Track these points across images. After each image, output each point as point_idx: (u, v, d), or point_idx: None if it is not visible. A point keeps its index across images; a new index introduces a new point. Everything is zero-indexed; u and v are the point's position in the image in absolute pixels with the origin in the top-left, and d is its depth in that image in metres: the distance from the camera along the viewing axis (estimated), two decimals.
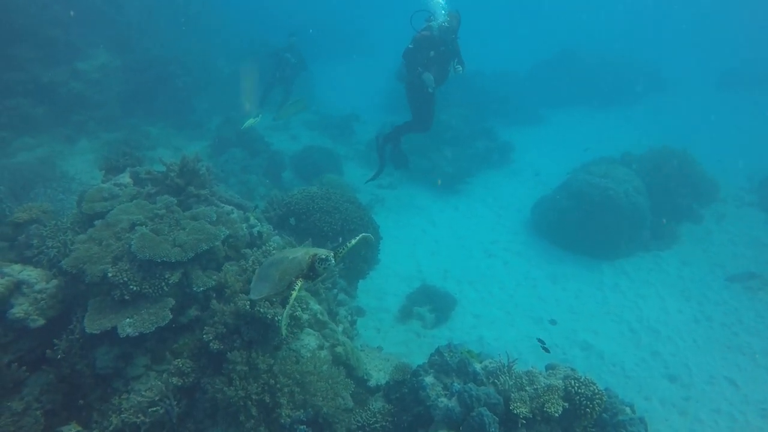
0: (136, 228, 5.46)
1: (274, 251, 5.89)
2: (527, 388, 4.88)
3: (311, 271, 4.15)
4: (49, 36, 13.04)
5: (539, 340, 6.98)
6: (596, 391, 4.88)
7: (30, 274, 5.21)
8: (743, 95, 22.32)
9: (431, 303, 9.85)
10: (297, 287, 4.09)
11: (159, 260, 5.07)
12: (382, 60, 18.27)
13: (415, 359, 8.51)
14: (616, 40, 25.81)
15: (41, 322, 5.04)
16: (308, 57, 20.82)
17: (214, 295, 5.48)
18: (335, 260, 4.22)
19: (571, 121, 20.10)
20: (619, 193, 11.47)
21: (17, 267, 5.27)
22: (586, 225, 11.63)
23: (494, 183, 15.03)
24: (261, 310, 4.91)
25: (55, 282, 5.27)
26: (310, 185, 11.82)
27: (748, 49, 25.10)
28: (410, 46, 8.45)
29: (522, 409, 4.69)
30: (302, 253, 4.19)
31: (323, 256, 4.06)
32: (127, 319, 4.88)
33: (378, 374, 6.40)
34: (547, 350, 6.88)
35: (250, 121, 12.80)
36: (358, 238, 4.51)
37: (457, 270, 11.18)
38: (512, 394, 4.82)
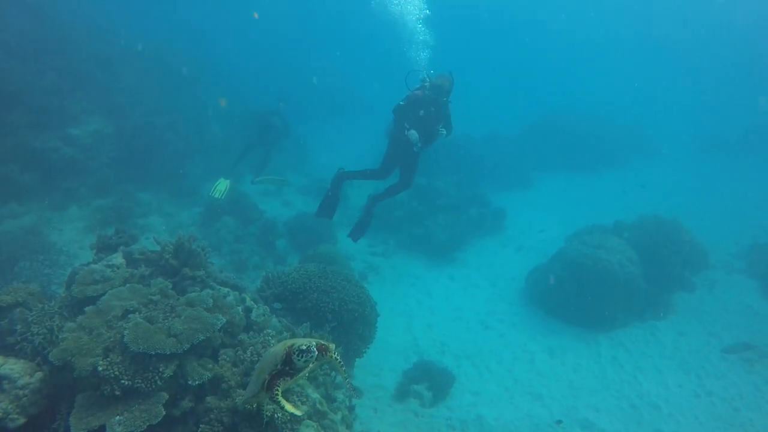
0: (129, 316, 5.26)
1: (272, 339, 5.71)
2: None
3: (288, 366, 3.66)
4: (42, 102, 13.09)
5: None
6: None
7: (12, 368, 4.93)
8: (725, 159, 22.88)
9: (429, 380, 9.56)
10: (278, 394, 3.66)
11: (153, 352, 4.85)
12: (374, 122, 18.50)
13: None
14: (603, 104, 26.59)
15: (21, 421, 4.73)
16: (299, 119, 21.26)
17: (209, 386, 5.25)
18: (328, 352, 3.77)
19: (560, 186, 20.33)
20: (613, 263, 11.46)
21: None
22: (581, 295, 11.55)
23: (488, 250, 15.00)
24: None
25: (39, 375, 4.99)
26: (304, 254, 11.74)
27: (729, 114, 25.91)
28: (401, 102, 8.60)
29: None
30: (282, 344, 3.77)
31: (303, 347, 3.58)
32: (117, 417, 4.61)
33: None
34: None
35: (220, 186, 12.75)
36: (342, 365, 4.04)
37: (454, 343, 10.96)
38: None
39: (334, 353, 3.86)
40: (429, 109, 8.53)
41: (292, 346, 3.67)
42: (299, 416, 3.85)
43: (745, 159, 22.57)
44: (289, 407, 3.72)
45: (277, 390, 3.68)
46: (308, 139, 21.72)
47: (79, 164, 12.79)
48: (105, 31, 18.61)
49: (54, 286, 8.67)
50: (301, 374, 3.81)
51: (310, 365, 3.76)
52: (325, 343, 3.83)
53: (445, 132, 8.66)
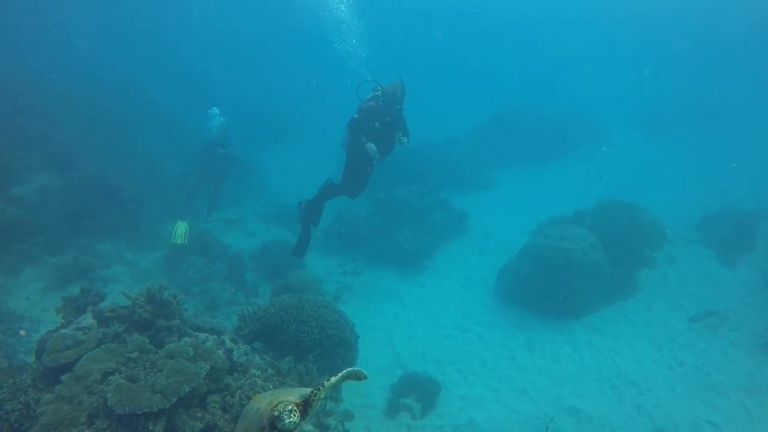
0: (109, 378, 5.17)
1: (258, 379, 5.70)
2: None
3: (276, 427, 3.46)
4: None
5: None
6: None
7: None
8: (672, 136, 23.84)
9: (416, 391, 9.63)
10: None
11: (140, 412, 4.79)
12: (326, 142, 18.52)
13: None
14: (551, 95, 27.36)
15: None
16: (254, 148, 21.14)
17: None
18: (312, 405, 3.54)
19: (519, 181, 20.76)
20: (577, 252, 11.81)
21: None
22: (551, 287, 11.85)
23: (456, 254, 15.20)
24: None
25: None
26: (275, 284, 11.65)
27: (672, 92, 27.00)
28: (355, 116, 8.59)
29: None
30: (267, 402, 3.59)
31: (283, 418, 3.39)
32: None
33: None
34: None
35: (179, 231, 12.64)
36: (338, 376, 3.71)
37: (435, 351, 11.07)
38: None
39: (320, 393, 3.60)
40: (384, 120, 8.52)
41: (274, 410, 3.46)
42: None
43: (688, 134, 23.56)
44: None
45: None
46: (265, 167, 21.63)
47: (29, 223, 12.33)
48: (37, 79, 18.04)
49: (21, 356, 8.37)
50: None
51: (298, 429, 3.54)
52: (309, 396, 3.60)
53: (406, 140, 8.71)
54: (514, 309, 12.33)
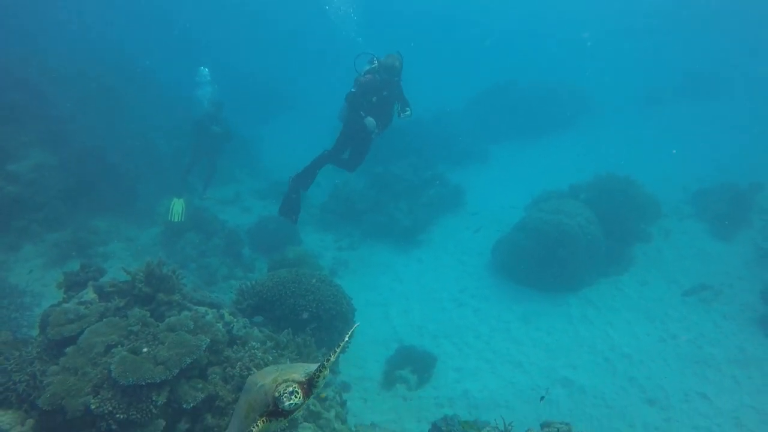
0: (112, 351, 5.27)
1: (257, 351, 5.81)
2: None
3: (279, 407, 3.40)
4: None
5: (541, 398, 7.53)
6: None
7: (2, 419, 4.92)
8: (668, 109, 23.75)
9: (412, 364, 9.83)
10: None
11: (143, 383, 4.90)
12: (320, 116, 18.45)
13: (407, 425, 8.54)
14: (547, 69, 27.11)
15: None
16: (250, 123, 21.04)
17: (202, 406, 5.32)
18: (316, 385, 3.49)
19: (514, 155, 20.75)
20: (573, 226, 11.92)
21: None
22: (546, 261, 11.98)
23: (452, 228, 15.30)
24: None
25: (30, 422, 4.98)
26: (271, 259, 11.77)
27: (668, 65, 26.81)
28: (353, 89, 8.52)
29: None
30: (272, 379, 3.50)
31: (283, 400, 3.33)
32: None
33: None
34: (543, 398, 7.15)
35: (175, 208, 12.70)
36: (336, 352, 3.63)
37: (431, 325, 11.24)
38: None
39: (325, 370, 3.54)
40: (381, 93, 8.47)
41: (275, 396, 3.37)
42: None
43: (684, 107, 23.49)
44: None
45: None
46: (260, 141, 21.57)
47: (26, 201, 12.38)
48: (29, 55, 17.82)
49: (24, 329, 8.49)
50: (296, 414, 3.64)
51: (301, 409, 3.54)
52: (313, 375, 3.52)
53: (409, 111, 8.60)
54: (510, 282, 12.48)
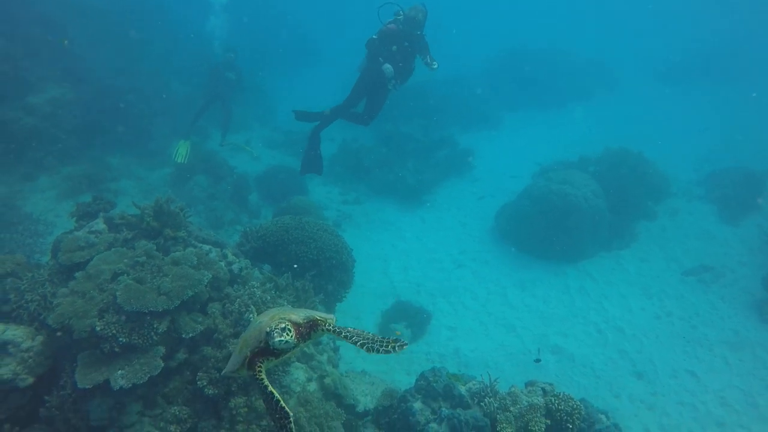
0: (118, 278, 5.50)
1: (257, 290, 6.03)
2: (511, 408, 5.16)
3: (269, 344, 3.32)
4: None
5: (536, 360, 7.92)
6: (575, 406, 5.20)
7: (15, 333, 5.19)
8: (683, 91, 23.37)
9: (407, 319, 10.09)
10: (261, 373, 3.33)
11: (146, 310, 5.13)
12: (341, 72, 18.43)
13: (397, 376, 8.80)
14: (563, 37, 26.56)
15: (30, 380, 5.05)
16: (267, 72, 20.91)
17: (200, 338, 5.57)
18: (317, 331, 3.40)
19: (526, 123, 20.57)
20: (578, 197, 11.96)
21: (0, 326, 5.23)
22: (549, 230, 12.07)
23: (458, 191, 15.36)
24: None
25: (41, 338, 5.26)
26: (277, 207, 11.96)
27: (689, 44, 26.19)
28: (374, 36, 8.45)
29: (508, 430, 4.96)
30: (269, 317, 3.45)
31: (273, 336, 3.22)
32: (119, 371, 4.94)
33: (365, 399, 6.59)
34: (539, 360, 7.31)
35: (180, 150, 12.86)
36: (353, 332, 3.44)
37: (429, 283, 11.44)
38: (498, 416, 5.08)
39: (329, 325, 3.46)
40: (402, 44, 8.38)
41: (265, 330, 3.30)
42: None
43: (705, 86, 23.07)
44: (273, 390, 3.32)
45: (260, 368, 3.37)
46: (277, 92, 21.48)
47: (43, 133, 12.56)
48: None
49: (37, 255, 8.78)
50: (287, 355, 3.53)
51: (293, 349, 3.43)
52: (319, 318, 3.47)
53: (436, 64, 8.42)
54: (511, 249, 12.61)
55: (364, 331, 3.47)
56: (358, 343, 3.38)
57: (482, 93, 21.43)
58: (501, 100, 21.54)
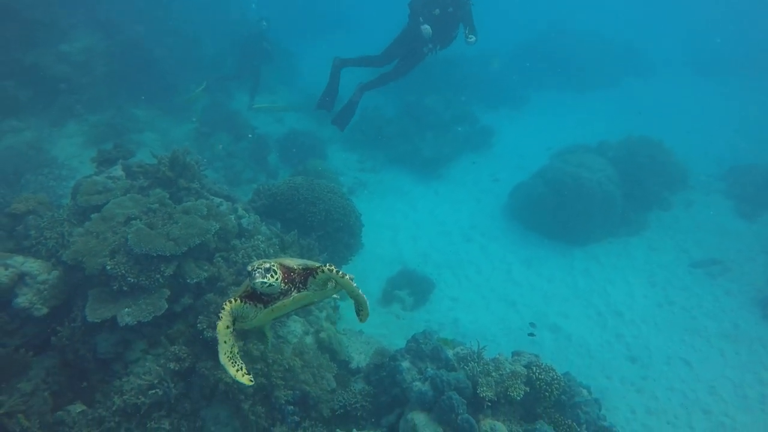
0: (131, 222, 5.81)
1: (261, 243, 6.30)
2: (493, 373, 5.38)
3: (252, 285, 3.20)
4: (31, 17, 12.99)
5: (530, 334, 7.90)
6: (555, 376, 5.39)
7: (32, 265, 5.54)
8: (718, 82, 22.82)
9: (411, 286, 10.33)
10: (223, 318, 3.25)
11: (155, 254, 5.43)
12: (372, 39, 18.45)
13: (395, 341, 9.05)
14: (599, 20, 25.98)
15: (45, 310, 5.40)
16: (291, 37, 20.93)
17: (205, 285, 5.87)
18: (315, 277, 3.28)
19: (553, 104, 20.35)
20: (592, 181, 11.98)
21: (20, 259, 5.58)
22: (560, 211, 12.14)
23: (475, 167, 15.41)
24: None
25: (56, 273, 5.61)
26: (295, 169, 12.22)
27: (726, 37, 25.46)
28: None
29: (488, 393, 5.19)
30: (261, 261, 3.32)
31: (255, 276, 3.12)
32: (126, 309, 5.26)
33: (359, 357, 6.89)
34: (533, 335, 7.45)
35: (195, 93, 13.15)
36: (354, 286, 3.39)
37: (436, 254, 11.66)
38: (480, 379, 5.31)
39: (328, 267, 3.31)
40: (446, 8, 8.15)
41: (248, 270, 3.18)
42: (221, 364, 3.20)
43: (739, 82, 22.50)
44: (223, 348, 3.27)
45: (223, 310, 3.27)
46: (303, 57, 21.52)
47: (73, 81, 12.92)
48: None
49: (59, 198, 9.18)
50: (280, 304, 3.38)
51: (279, 296, 3.32)
52: (317, 265, 3.34)
53: (473, 38, 8.18)
54: (521, 227, 12.72)
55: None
56: (354, 293, 3.39)
57: (511, 72, 21.20)
58: (529, 81, 21.27)
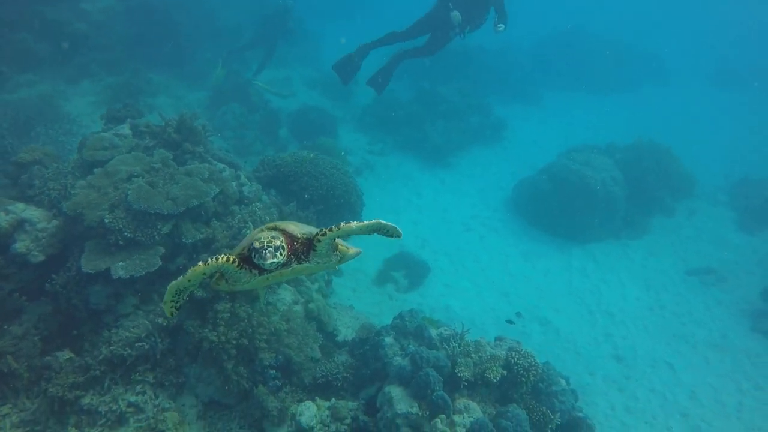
0: (132, 179, 5.93)
1: (258, 210, 6.42)
2: (473, 355, 5.50)
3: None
4: None
5: (509, 321, 7.91)
6: (533, 363, 5.51)
7: (33, 213, 5.70)
8: (735, 94, 22.64)
9: (407, 269, 10.45)
10: (209, 263, 2.94)
11: (153, 211, 5.57)
12: (392, 22, 18.40)
13: (385, 320, 9.11)
14: (623, 24, 25.78)
15: (41, 258, 5.55)
16: (317, 16, 20.89)
17: (201, 247, 6.01)
18: (317, 244, 3.03)
19: (567, 104, 20.27)
20: (596, 180, 12.01)
21: (21, 206, 5.74)
22: (561, 208, 12.19)
23: (483, 159, 15.44)
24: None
25: (55, 222, 5.76)
26: (304, 145, 12.30)
27: (747, 49, 25.23)
28: None
29: (465, 373, 5.32)
30: (264, 231, 3.15)
31: (265, 256, 2.87)
32: (120, 263, 5.41)
33: (346, 331, 7.02)
34: (512, 322, 7.65)
35: (218, 74, 13.35)
36: (363, 223, 3.16)
37: (435, 240, 11.74)
38: (459, 359, 5.44)
39: (329, 229, 3.09)
40: None
41: (254, 246, 2.92)
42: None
43: (757, 95, 22.29)
44: (182, 283, 3.02)
45: (216, 260, 2.97)
46: (323, 37, 21.47)
47: (92, 40, 13.03)
48: None
49: (67, 153, 9.32)
50: (277, 273, 3.14)
51: (279, 268, 3.05)
52: (317, 232, 3.11)
53: (502, 26, 8.05)
54: (522, 221, 12.79)
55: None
56: (370, 227, 3.15)
57: (529, 68, 21.14)
58: (547, 79, 21.21)
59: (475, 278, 10.93)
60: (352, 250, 3.31)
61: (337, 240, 3.28)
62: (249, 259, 3.00)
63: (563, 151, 14.06)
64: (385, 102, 15.59)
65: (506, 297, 10.60)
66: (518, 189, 13.35)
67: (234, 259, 3.02)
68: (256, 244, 2.84)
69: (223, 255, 3.00)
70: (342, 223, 3.06)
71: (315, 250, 3.11)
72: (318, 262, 3.24)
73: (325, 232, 3.06)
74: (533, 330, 9.92)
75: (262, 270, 3.04)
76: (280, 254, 2.88)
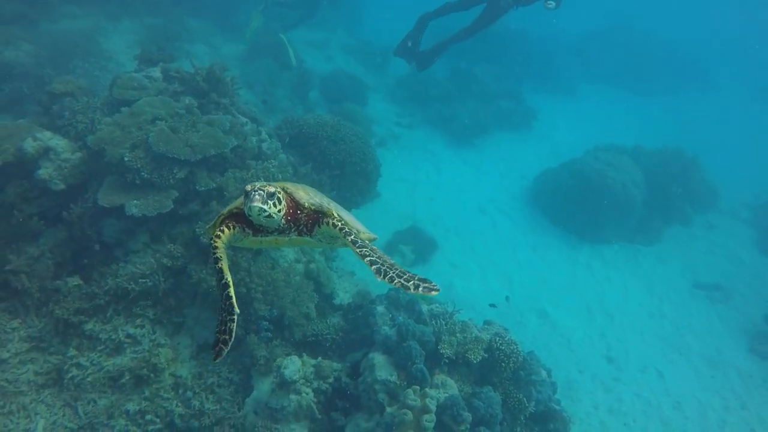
0: (156, 122, 6.14)
1: (272, 168, 6.60)
2: (458, 334, 5.67)
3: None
4: None
5: (492, 305, 7.82)
6: (515, 350, 5.66)
7: (59, 143, 5.95)
8: None
9: (415, 244, 10.60)
10: (218, 241, 2.67)
11: (171, 156, 5.78)
12: None
13: (383, 290, 9.39)
14: (675, 27, 24.98)
15: (62, 186, 5.81)
16: None
17: (215, 194, 6.22)
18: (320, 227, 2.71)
19: (603, 100, 19.99)
20: (617, 182, 11.93)
21: (48, 134, 5.99)
22: (580, 205, 12.17)
23: (508, 145, 15.38)
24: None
25: (79, 155, 6.00)
26: (331, 109, 12.40)
27: None
28: None
29: (448, 351, 5.50)
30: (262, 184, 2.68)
31: (254, 199, 2.46)
32: (135, 201, 5.65)
33: (344, 295, 7.23)
34: (494, 305, 7.58)
35: (253, 24, 13.40)
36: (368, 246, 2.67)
37: (448, 218, 11.85)
38: (444, 337, 5.61)
39: (337, 220, 2.73)
40: None
41: (246, 189, 2.51)
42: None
43: None
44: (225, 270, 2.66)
45: (218, 235, 2.70)
46: (368, 6, 21.19)
47: None
48: None
49: (100, 89, 9.56)
50: (272, 238, 2.81)
51: (274, 230, 2.74)
52: (326, 210, 2.76)
53: (552, 3, 7.77)
54: (537, 212, 12.82)
55: (379, 250, 2.65)
56: (367, 258, 2.56)
57: (570, 58, 20.71)
58: (586, 71, 20.80)
59: (482, 262, 11.06)
60: (365, 235, 2.91)
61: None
62: (242, 216, 2.66)
63: (590, 148, 13.94)
64: (419, 77, 15.50)
65: (509, 284, 10.73)
66: (540, 180, 13.33)
67: (231, 227, 2.75)
68: (248, 187, 2.47)
69: (215, 240, 2.73)
70: (351, 237, 2.68)
71: (320, 228, 2.77)
72: (321, 240, 2.91)
73: (335, 224, 2.71)
74: (529, 320, 10.06)
75: (256, 230, 2.72)
76: (274, 205, 2.49)
